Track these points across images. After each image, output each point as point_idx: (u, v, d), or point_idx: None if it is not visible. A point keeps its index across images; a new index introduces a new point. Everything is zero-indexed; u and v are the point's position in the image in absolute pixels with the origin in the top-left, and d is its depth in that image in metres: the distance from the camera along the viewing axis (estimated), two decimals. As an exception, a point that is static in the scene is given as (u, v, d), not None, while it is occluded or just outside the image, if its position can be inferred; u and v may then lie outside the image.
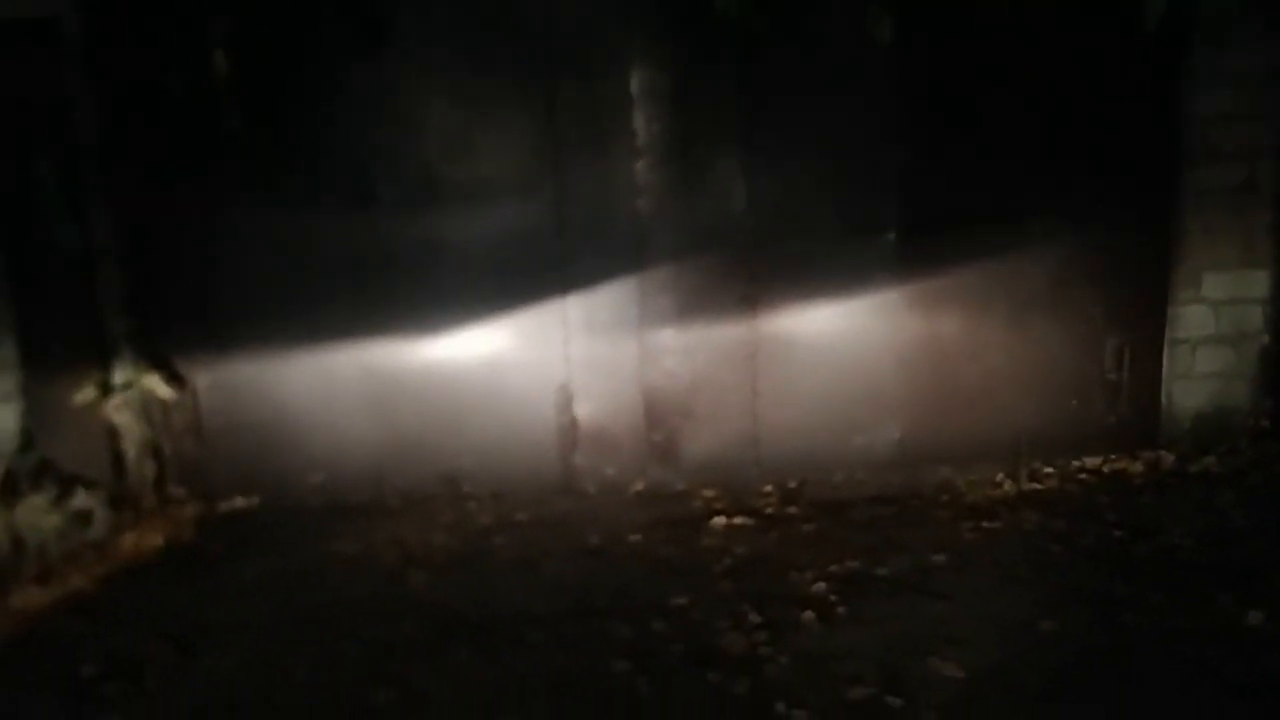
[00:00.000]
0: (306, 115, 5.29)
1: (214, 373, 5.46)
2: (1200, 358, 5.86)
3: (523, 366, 5.55)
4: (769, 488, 5.57)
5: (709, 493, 5.53)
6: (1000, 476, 5.62)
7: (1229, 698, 3.33)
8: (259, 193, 5.28)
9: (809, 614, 3.99)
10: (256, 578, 4.62)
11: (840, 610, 4.05)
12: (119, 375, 5.28)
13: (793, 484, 5.60)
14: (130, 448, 5.33)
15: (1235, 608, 3.92)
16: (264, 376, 5.49)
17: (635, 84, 5.35)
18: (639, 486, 5.64)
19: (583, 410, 5.60)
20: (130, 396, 5.29)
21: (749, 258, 5.52)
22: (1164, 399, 5.91)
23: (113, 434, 5.29)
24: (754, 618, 3.97)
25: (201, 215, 5.31)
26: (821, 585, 4.28)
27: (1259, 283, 5.80)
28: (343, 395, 5.55)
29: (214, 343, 5.43)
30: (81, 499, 4.90)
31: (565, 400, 5.58)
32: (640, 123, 5.38)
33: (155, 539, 5.07)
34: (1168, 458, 5.80)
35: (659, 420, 5.64)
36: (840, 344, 5.65)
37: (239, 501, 5.51)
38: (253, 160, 5.23)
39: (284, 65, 5.22)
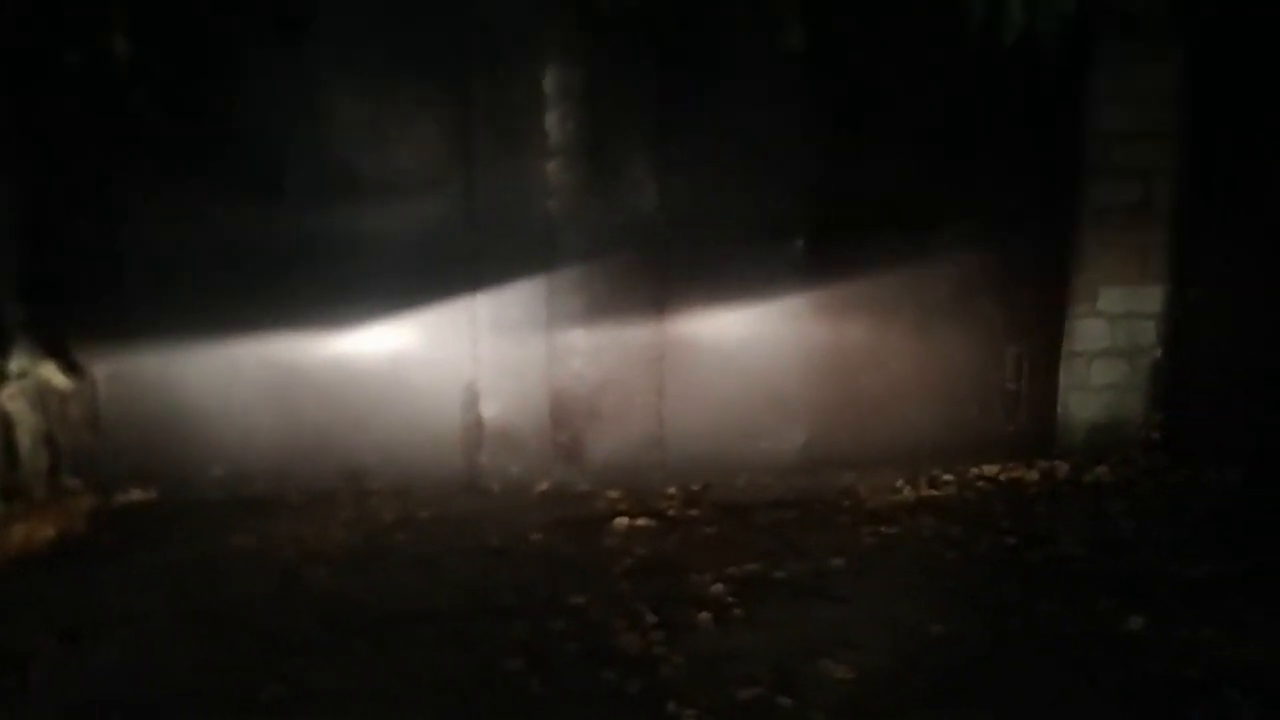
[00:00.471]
0: (216, 104, 5.19)
1: (114, 363, 5.35)
2: (1096, 370, 6.00)
3: (430, 364, 5.52)
4: (673, 490, 5.59)
5: (613, 494, 5.54)
6: (901, 483, 5.72)
7: (1107, 701, 3.44)
8: (164, 180, 5.18)
9: (705, 615, 4.03)
10: (150, 571, 4.54)
11: (737, 612, 4.09)
12: (14, 363, 5.16)
13: (696, 487, 5.63)
14: (24, 437, 5.20)
15: (1118, 613, 4.04)
16: (166, 368, 5.40)
17: (549, 83, 5.34)
18: (543, 486, 5.64)
19: (489, 409, 5.58)
20: (25, 385, 5.17)
21: (659, 260, 5.55)
22: (1060, 409, 6.06)
23: (5, 423, 5.17)
24: (651, 618, 3.99)
25: (104, 201, 5.20)
26: (720, 587, 4.32)
27: (1153, 298, 5.97)
28: (247, 388, 5.47)
29: (115, 332, 5.32)
30: (-30, 489, 4.81)
31: (471, 399, 5.56)
32: (554, 122, 5.38)
33: (47, 531, 4.96)
34: (1062, 467, 5.94)
35: (565, 420, 5.65)
36: (747, 348, 5.70)
37: (136, 494, 5.41)
38: (158, 147, 5.14)
39: (193, 51, 5.13)
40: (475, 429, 5.59)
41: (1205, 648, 3.79)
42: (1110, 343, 5.99)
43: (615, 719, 3.28)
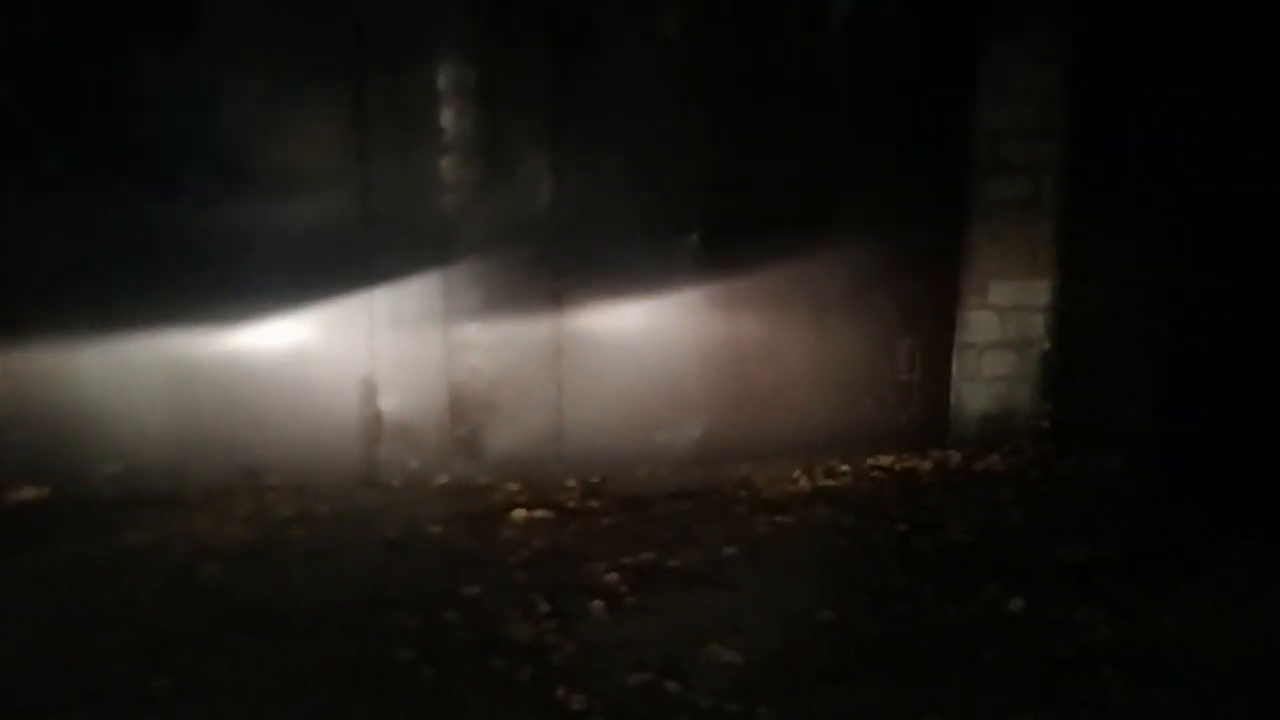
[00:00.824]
0: (103, 98, 5.12)
1: (4, 361, 5.27)
2: (986, 361, 6.15)
3: (327, 359, 5.49)
4: (572, 482, 5.63)
5: (512, 486, 5.56)
6: (797, 473, 5.80)
7: (986, 679, 3.55)
8: (50, 176, 5.10)
9: (598, 604, 4.07)
10: (39, 569, 4.47)
11: (629, 600, 4.14)
12: (-102, 361, 5.08)
13: (595, 479, 5.67)
14: (-92, 435, 5.13)
15: (1001, 596, 4.15)
16: (58, 365, 5.32)
17: (444, 79, 5.35)
18: (443, 480, 5.64)
19: (387, 403, 5.58)
20: (-91, 382, 5.10)
21: (556, 256, 5.58)
22: (953, 400, 6.20)
23: (-112, 421, 5.09)
24: (544, 607, 4.03)
25: (-12, 200, 5.14)
26: (614, 576, 4.36)
27: (1041, 291, 6.14)
28: (142, 385, 5.40)
29: (4, 330, 5.24)
30: None
31: (369, 393, 5.55)
32: (448, 119, 5.39)
33: (-66, 530, 4.89)
34: (955, 456, 6.08)
35: (464, 415, 5.66)
36: (644, 343, 5.76)
37: (28, 492, 5.32)
38: (41, 142, 5.07)
39: (75, 46, 5.06)
40: (374, 423, 5.58)
41: (1082, 628, 3.92)
42: (1001, 335, 6.14)
43: (504, 706, 3.31)
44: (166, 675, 3.50)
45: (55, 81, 5.05)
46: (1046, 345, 6.19)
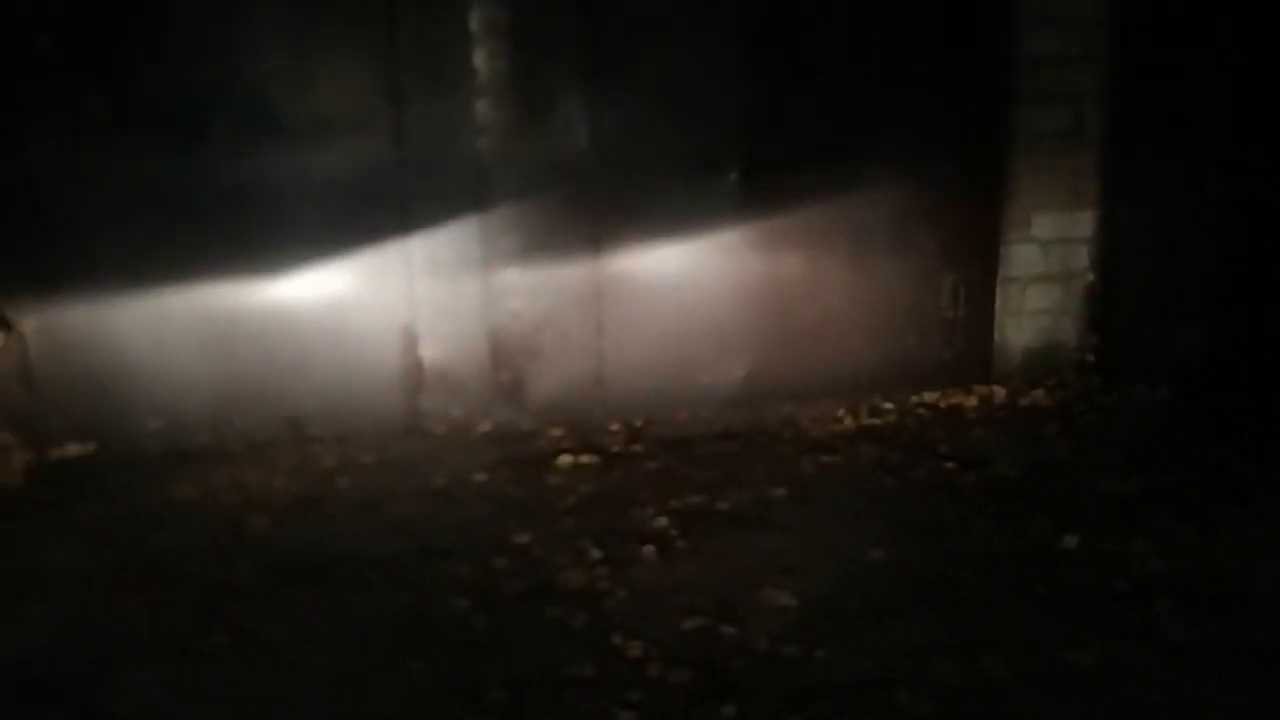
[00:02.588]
0: (134, 48, 5.08)
1: (43, 316, 5.26)
2: (1030, 295, 6.07)
3: (365, 307, 5.46)
4: (615, 426, 5.62)
5: (555, 432, 5.55)
6: (841, 412, 5.77)
7: (1041, 614, 3.53)
8: (84, 129, 5.07)
9: (649, 549, 4.07)
10: (90, 524, 4.50)
11: (680, 544, 4.13)
12: (-61, 320, 5.09)
13: (639, 422, 5.66)
14: (-47, 394, 5.15)
15: (1052, 532, 4.13)
16: (97, 320, 5.32)
17: (475, 20, 5.27)
18: (485, 427, 5.64)
19: (428, 351, 5.55)
20: (-49, 341, 5.11)
21: (593, 197, 5.52)
22: (997, 335, 6.12)
23: (-67, 380, 5.10)
24: (594, 553, 4.03)
25: (23, 153, 5.08)
26: (663, 520, 4.36)
27: (1085, 223, 6.03)
28: (180, 338, 5.40)
29: (41, 285, 5.21)
30: (-99, 447, 4.74)
31: (409, 341, 5.53)
32: (481, 60, 5.31)
33: (-17, 487, 4.93)
34: (1000, 392, 6.02)
35: (505, 360, 5.64)
36: (685, 283, 5.70)
37: (73, 448, 5.35)
38: (75, 95, 5.03)
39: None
40: (415, 372, 5.57)
41: (1135, 561, 3.90)
42: (1044, 268, 6.05)
43: (561, 653, 3.30)
44: (221, 628, 3.52)
45: (90, 31, 5.00)
46: (1090, 278, 6.09)
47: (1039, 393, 5.98)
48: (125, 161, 5.13)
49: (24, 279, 5.19)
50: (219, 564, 4.06)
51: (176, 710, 3.07)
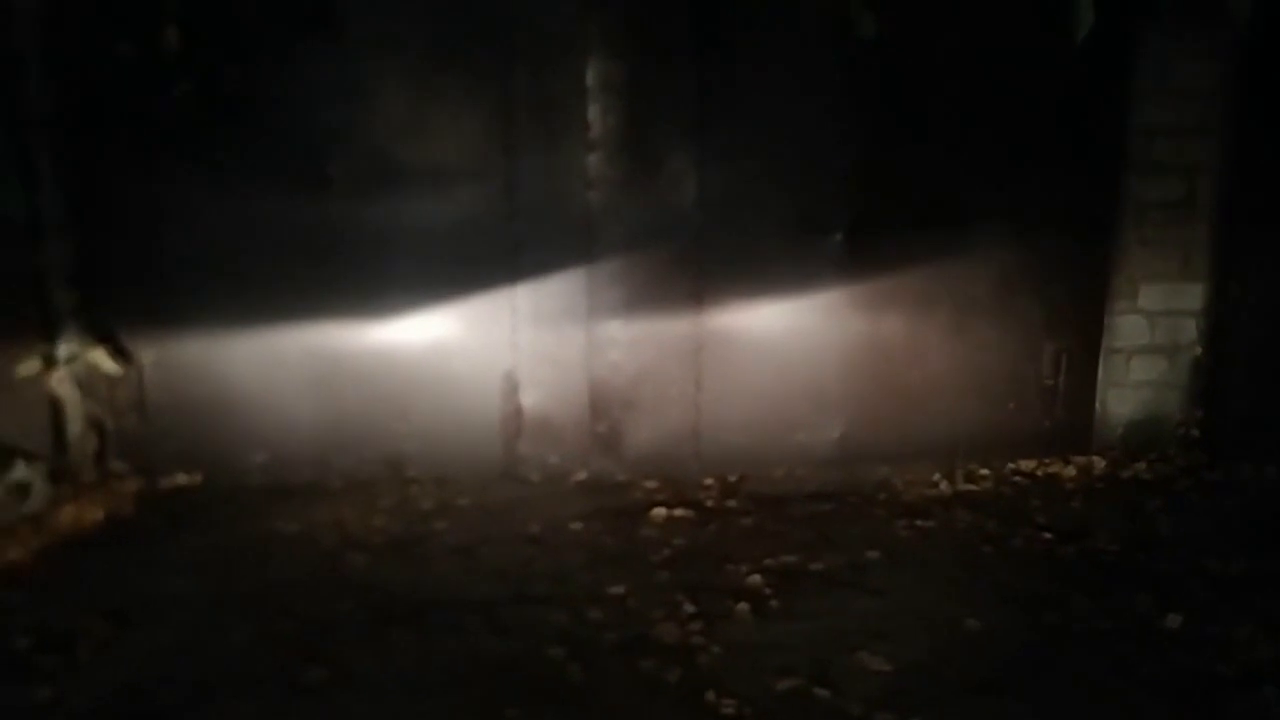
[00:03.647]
0: (259, 93, 5.24)
1: (159, 349, 5.42)
2: (1135, 366, 6.00)
3: (469, 353, 5.56)
4: (710, 481, 5.64)
5: (650, 484, 5.59)
6: (937, 476, 5.73)
7: (1146, 695, 3.44)
8: (208, 169, 5.23)
9: (743, 606, 4.06)
10: (195, 554, 4.61)
11: (774, 603, 4.11)
12: (63, 348, 5.24)
13: (733, 478, 5.67)
14: (72, 422, 5.28)
15: (1155, 610, 4.04)
16: (209, 354, 5.46)
17: (591, 75, 5.36)
18: (581, 476, 5.68)
19: (528, 398, 5.63)
20: (74, 370, 5.25)
21: (698, 253, 5.57)
22: (1098, 405, 6.05)
23: (55, 407, 5.24)
24: (689, 608, 4.03)
25: (150, 189, 5.25)
26: (757, 578, 4.34)
27: (1194, 295, 5.96)
28: (288, 376, 5.53)
29: (159, 319, 5.39)
30: (21, 471, 4.87)
31: (511, 388, 5.61)
32: (595, 114, 5.40)
33: (95, 513, 5.04)
34: (1100, 463, 5.94)
35: (603, 411, 5.69)
36: (784, 341, 5.72)
37: (181, 478, 5.48)
38: (203, 136, 5.19)
39: (237, 42, 5.18)
40: (514, 418, 5.64)
41: (1243, 645, 3.79)
42: (1150, 339, 5.99)
43: (655, 708, 3.31)
44: (321, 665, 3.57)
45: (218, 76, 5.17)
46: (1198, 351, 6.01)
47: (1140, 466, 5.89)
48: (246, 203, 5.29)
49: (143, 312, 5.36)
50: (318, 600, 4.13)
51: (278, 744, 3.12)
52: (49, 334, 5.23)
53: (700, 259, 5.56)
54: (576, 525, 4.99)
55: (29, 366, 5.13)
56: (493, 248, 5.44)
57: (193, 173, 5.24)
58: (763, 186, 5.57)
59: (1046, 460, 5.97)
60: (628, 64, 5.37)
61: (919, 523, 5.06)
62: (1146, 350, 6.00)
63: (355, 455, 5.59)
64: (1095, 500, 5.43)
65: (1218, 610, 4.06)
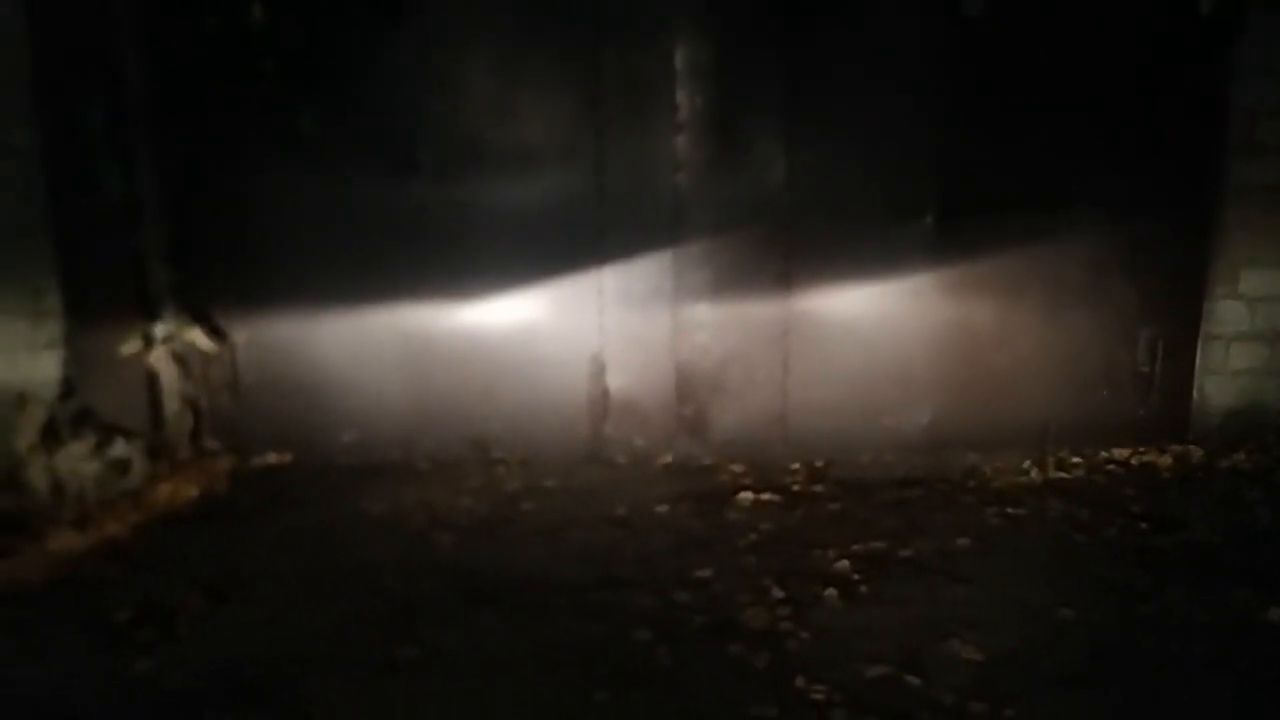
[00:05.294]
0: (347, 75, 5.31)
1: (252, 328, 5.52)
2: (1234, 354, 5.86)
3: (556, 335, 5.58)
4: (796, 465, 5.61)
5: (736, 468, 5.57)
6: (1027, 464, 5.65)
7: (1247, 691, 3.35)
8: (299, 151, 5.31)
9: (831, 591, 4.02)
10: (287, 532, 4.69)
11: (863, 589, 4.07)
12: (161, 327, 5.34)
13: (820, 463, 5.63)
14: (169, 400, 5.39)
15: (1256, 603, 3.93)
16: (300, 334, 5.55)
17: (679, 58, 5.35)
18: (667, 459, 5.69)
19: (614, 381, 5.63)
20: (172, 349, 5.36)
21: (785, 235, 5.54)
22: (1196, 393, 5.93)
23: (152, 385, 5.35)
24: (777, 593, 4.00)
25: (243, 171, 5.35)
26: (845, 564, 4.31)
27: (1297, 281, 5.80)
28: (376, 356, 5.59)
29: (252, 298, 5.48)
30: (120, 448, 4.97)
31: (597, 370, 5.62)
32: (682, 97, 5.39)
33: (190, 490, 5.15)
34: (1196, 452, 5.81)
35: (689, 394, 5.68)
36: (873, 325, 5.67)
37: (272, 457, 5.58)
38: (293, 119, 5.26)
39: (325, 24, 5.23)
40: (601, 400, 5.65)
41: (1348, 642, 3.69)
42: (1250, 326, 5.84)
43: (744, 693, 3.28)
44: (410, 644, 3.59)
45: (310, 58, 5.23)
46: (1301, 338, 5.86)
47: (1239, 456, 5.75)
48: (336, 185, 5.36)
49: (236, 293, 5.46)
50: (407, 579, 4.16)
51: (371, 721, 3.15)
52: (148, 313, 5.34)
53: (788, 242, 5.53)
54: (663, 508, 4.99)
55: (130, 345, 5.23)
56: (580, 230, 5.45)
57: (284, 155, 5.32)
58: (852, 169, 5.52)
59: (1141, 449, 5.86)
60: (716, 46, 5.35)
61: (1009, 510, 4.98)
62: (1246, 337, 5.85)
63: (442, 436, 5.65)
64: (1192, 490, 5.31)
65: (1321, 605, 3.95)
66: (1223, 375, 5.89)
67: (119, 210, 5.19)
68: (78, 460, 4.71)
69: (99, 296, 5.10)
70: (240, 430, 5.58)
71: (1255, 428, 5.92)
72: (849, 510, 4.99)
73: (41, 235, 4.84)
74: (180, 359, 5.41)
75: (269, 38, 5.19)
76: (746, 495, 5.13)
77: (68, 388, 4.77)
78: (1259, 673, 3.46)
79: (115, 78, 5.13)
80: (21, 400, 4.73)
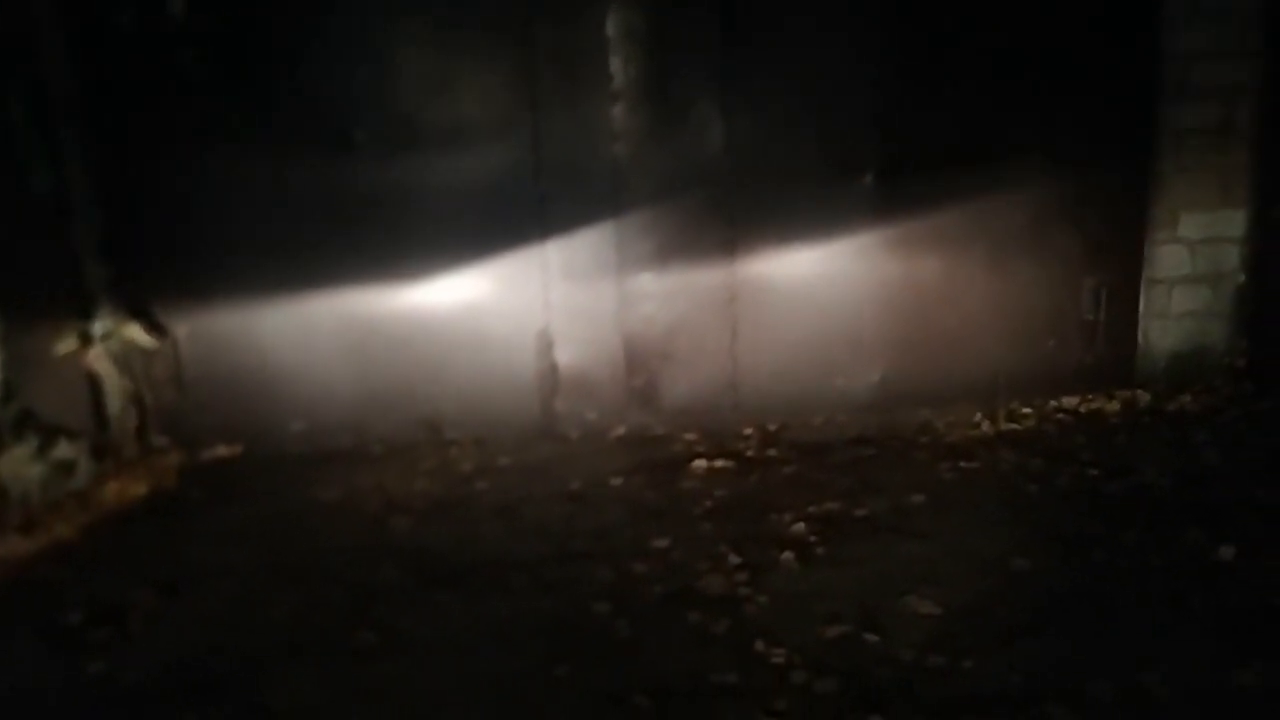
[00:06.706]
0: (276, 58, 5.21)
1: (193, 321, 5.44)
2: (1177, 297, 5.91)
3: (502, 312, 5.54)
4: (749, 431, 5.62)
5: (689, 436, 5.58)
6: (978, 417, 5.70)
7: (1199, 631, 3.39)
8: (230, 137, 5.22)
9: (788, 554, 4.03)
10: (239, 524, 4.64)
11: (819, 551, 4.09)
12: (99, 325, 5.25)
13: (773, 427, 5.65)
14: (112, 398, 5.31)
15: (1207, 543, 3.98)
16: (243, 325, 5.47)
17: (612, 26, 5.30)
18: (620, 431, 5.68)
19: (563, 355, 5.61)
20: (111, 346, 5.27)
21: (728, 201, 5.52)
22: (1141, 339, 5.98)
23: (94, 384, 5.26)
24: (734, 559, 4.01)
25: (175, 162, 5.25)
26: (801, 526, 4.32)
27: (1235, 222, 5.86)
28: (322, 342, 5.53)
29: (192, 291, 5.40)
30: (64, 449, 4.90)
31: (545, 346, 5.59)
32: (616, 65, 5.35)
33: (138, 488, 5.09)
34: (1144, 397, 5.88)
35: (639, 365, 5.66)
36: (819, 287, 5.67)
37: (221, 450, 5.52)
38: (221, 104, 5.19)
39: (248, 8, 5.15)
40: (550, 376, 5.63)
41: (1299, 576, 3.73)
42: (1191, 269, 5.89)
43: (704, 660, 3.29)
44: (370, 629, 3.58)
45: (234, 45, 5.15)
46: (1241, 279, 5.90)
47: (1185, 398, 5.82)
48: (270, 171, 5.28)
49: (175, 286, 5.39)
50: (364, 565, 4.14)
51: (334, 710, 3.11)
52: (84, 311, 5.25)
53: (731, 207, 5.52)
54: (617, 480, 4.99)
55: (67, 344, 5.14)
56: (521, 204, 5.41)
57: (215, 144, 5.25)
58: (791, 130, 5.50)
59: (1090, 396, 5.92)
60: (648, 11, 5.30)
61: (962, 464, 5.02)
62: (1188, 280, 5.90)
63: (393, 419, 5.61)
64: (1141, 435, 5.36)
65: (1270, 542, 3.99)
66: (1166, 319, 5.94)
67: (49, 206, 5.08)
68: (21, 464, 4.62)
69: (34, 296, 5.00)
70: (187, 425, 5.51)
71: (1200, 370, 5.98)
72: (803, 473, 5.00)
73: (-32, 235, 4.75)
74: (120, 356, 5.32)
75: (191, 25, 5.10)
76: (700, 463, 5.14)
77: (7, 390, 4.68)
78: (1211, 612, 3.50)
79: (37, 71, 5.01)
80: (-41, 406, 4.65)
